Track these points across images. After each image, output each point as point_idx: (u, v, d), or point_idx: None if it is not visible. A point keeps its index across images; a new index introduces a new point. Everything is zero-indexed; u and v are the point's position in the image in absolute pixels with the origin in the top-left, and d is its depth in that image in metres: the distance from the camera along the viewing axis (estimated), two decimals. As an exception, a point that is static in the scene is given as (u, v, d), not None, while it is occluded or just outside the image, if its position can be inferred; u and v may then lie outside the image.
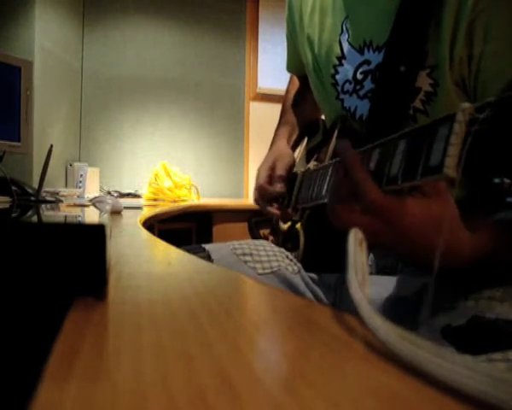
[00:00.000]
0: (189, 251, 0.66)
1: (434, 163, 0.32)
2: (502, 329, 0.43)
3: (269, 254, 0.69)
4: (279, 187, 0.76)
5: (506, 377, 0.15)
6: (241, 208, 2.13)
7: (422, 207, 0.38)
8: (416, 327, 0.47)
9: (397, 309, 0.53)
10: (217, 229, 2.09)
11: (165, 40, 2.72)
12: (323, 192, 0.54)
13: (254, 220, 0.88)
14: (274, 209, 0.77)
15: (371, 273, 0.64)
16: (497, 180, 0.29)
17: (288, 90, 0.94)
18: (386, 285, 0.57)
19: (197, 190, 2.21)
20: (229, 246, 0.70)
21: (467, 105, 0.31)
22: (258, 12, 2.90)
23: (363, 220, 0.39)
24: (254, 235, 0.88)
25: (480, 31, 0.47)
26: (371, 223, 0.39)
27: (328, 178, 0.54)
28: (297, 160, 0.83)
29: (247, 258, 0.67)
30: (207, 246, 0.70)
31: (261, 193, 0.79)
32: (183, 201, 2.05)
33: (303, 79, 0.88)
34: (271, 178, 0.78)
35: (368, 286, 0.25)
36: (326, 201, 0.52)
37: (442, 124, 0.32)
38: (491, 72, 0.47)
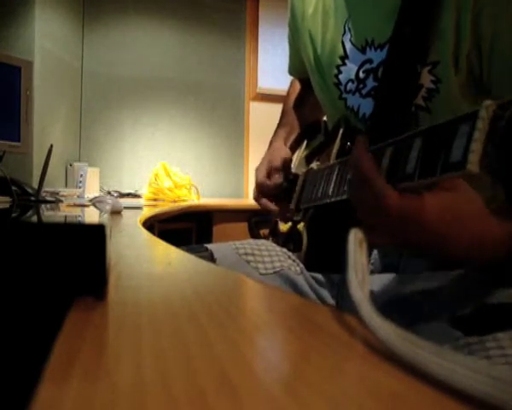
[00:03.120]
0: (191, 251, 0.66)
1: (456, 159, 0.31)
2: (506, 311, 0.43)
3: (271, 254, 0.69)
4: (276, 177, 0.78)
5: (506, 377, 0.15)
6: (241, 208, 2.13)
7: (442, 200, 0.37)
8: (419, 324, 0.47)
9: (400, 308, 0.53)
10: (217, 229, 2.09)
11: (165, 40, 2.72)
12: (330, 191, 0.54)
13: (254, 220, 0.88)
14: (272, 205, 0.78)
15: (373, 272, 0.64)
16: None
17: (288, 94, 0.95)
18: (388, 284, 0.57)
19: (197, 190, 2.21)
20: (231, 245, 0.70)
21: (489, 102, 0.30)
22: (258, 12, 2.90)
23: (385, 224, 0.38)
24: (254, 235, 0.88)
25: (487, 24, 0.47)
26: (392, 226, 0.38)
27: (334, 177, 0.54)
28: (297, 161, 0.83)
29: (250, 258, 0.68)
30: (210, 246, 0.71)
31: (260, 189, 0.80)
32: (183, 201, 2.05)
33: (304, 82, 0.89)
34: (269, 174, 0.79)
35: (368, 286, 0.25)
36: (334, 198, 0.52)
37: (463, 121, 0.32)
38: (505, 63, 0.47)
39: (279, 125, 0.91)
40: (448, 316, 0.45)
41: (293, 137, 0.87)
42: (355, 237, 0.28)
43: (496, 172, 0.29)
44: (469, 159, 0.30)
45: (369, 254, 0.66)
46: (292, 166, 0.81)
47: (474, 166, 0.30)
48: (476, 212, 0.38)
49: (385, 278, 0.59)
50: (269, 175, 0.80)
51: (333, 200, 0.53)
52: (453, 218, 0.37)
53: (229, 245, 0.71)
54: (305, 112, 0.89)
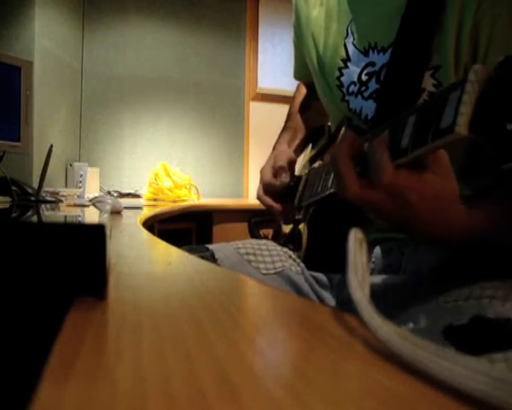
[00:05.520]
0: (192, 251, 0.66)
1: (446, 124, 0.31)
2: (503, 328, 0.43)
3: (272, 254, 0.69)
4: (283, 177, 0.76)
5: (506, 377, 0.15)
6: (241, 208, 2.14)
7: (427, 183, 0.39)
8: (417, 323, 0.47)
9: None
10: (217, 229, 2.09)
11: (165, 40, 2.72)
12: (329, 184, 0.54)
13: (254, 220, 0.88)
14: (276, 204, 0.77)
15: (373, 271, 0.64)
16: (510, 127, 0.28)
17: (294, 98, 0.95)
18: (389, 285, 0.57)
19: (197, 190, 2.21)
20: (232, 246, 0.70)
21: (479, 66, 0.30)
22: (258, 12, 2.90)
23: (377, 198, 0.40)
24: (254, 235, 0.87)
25: (484, 34, 0.48)
26: (384, 201, 0.40)
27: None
28: (301, 164, 0.83)
29: (251, 257, 0.67)
30: (211, 246, 0.70)
31: (266, 188, 0.79)
32: (183, 201, 2.05)
33: (309, 86, 0.89)
34: (275, 174, 0.78)
35: (368, 286, 0.25)
36: (333, 189, 0.52)
37: (453, 89, 0.32)
38: None
39: (284, 129, 0.91)
40: (443, 327, 0.45)
41: (297, 141, 0.87)
42: (355, 237, 0.28)
43: (484, 129, 0.29)
44: (458, 121, 0.30)
45: (370, 254, 0.66)
46: (296, 169, 0.81)
47: (462, 129, 0.30)
48: (453, 198, 0.41)
49: (384, 280, 0.59)
50: (275, 175, 0.78)
51: (332, 191, 0.53)
52: (434, 202, 0.40)
53: (230, 245, 0.70)
54: (310, 116, 0.89)
